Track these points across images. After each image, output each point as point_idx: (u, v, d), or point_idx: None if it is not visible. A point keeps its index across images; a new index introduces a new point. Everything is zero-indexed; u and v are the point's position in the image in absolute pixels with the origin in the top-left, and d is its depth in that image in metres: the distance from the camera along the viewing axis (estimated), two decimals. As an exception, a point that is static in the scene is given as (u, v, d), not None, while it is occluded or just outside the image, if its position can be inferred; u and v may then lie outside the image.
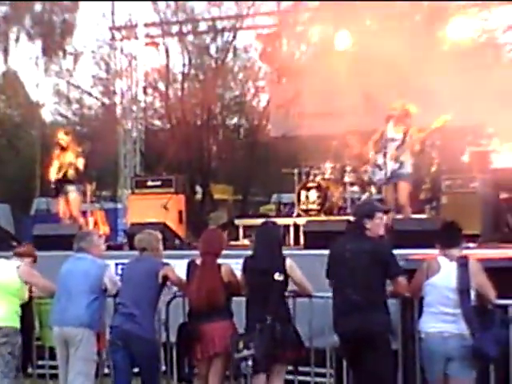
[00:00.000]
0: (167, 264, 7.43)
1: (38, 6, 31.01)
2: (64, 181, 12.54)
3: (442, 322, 6.31)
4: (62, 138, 12.75)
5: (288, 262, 6.95)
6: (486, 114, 12.98)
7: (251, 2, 21.26)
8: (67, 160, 12.56)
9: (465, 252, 6.69)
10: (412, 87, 12.94)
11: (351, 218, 7.50)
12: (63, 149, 12.70)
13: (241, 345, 6.71)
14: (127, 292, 7.30)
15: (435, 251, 6.72)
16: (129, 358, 7.16)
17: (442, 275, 6.39)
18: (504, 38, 20.02)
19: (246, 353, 6.66)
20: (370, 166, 11.46)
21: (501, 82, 13.74)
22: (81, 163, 12.58)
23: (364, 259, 6.56)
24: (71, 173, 12.50)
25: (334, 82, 15.68)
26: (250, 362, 6.66)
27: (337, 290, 6.73)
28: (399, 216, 10.91)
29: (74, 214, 12.58)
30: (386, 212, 7.58)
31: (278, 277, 6.81)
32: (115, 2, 20.63)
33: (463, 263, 6.38)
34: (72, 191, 12.61)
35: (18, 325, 7.55)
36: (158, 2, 23.68)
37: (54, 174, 12.65)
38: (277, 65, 20.36)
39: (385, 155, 10.97)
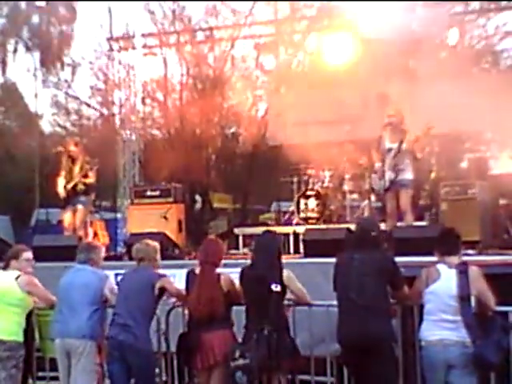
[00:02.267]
0: (164, 275, 7.43)
1: (35, 18, 31.05)
2: (74, 193, 12.54)
3: (442, 329, 6.30)
4: (73, 149, 12.74)
5: (285, 272, 6.92)
6: (484, 121, 12.99)
7: (248, 12, 21.26)
8: (76, 171, 12.57)
9: (464, 259, 6.69)
10: (409, 94, 12.93)
11: (353, 228, 7.49)
12: (73, 160, 12.70)
13: (237, 354, 6.69)
14: (123, 303, 7.30)
15: (434, 258, 6.72)
16: (125, 369, 7.15)
17: (442, 282, 6.38)
18: (502, 45, 20.11)
19: (241, 362, 6.65)
20: (373, 175, 11.44)
21: (499, 88, 13.74)
22: (92, 176, 12.58)
23: (372, 268, 6.59)
24: (81, 185, 12.49)
25: (331, 90, 15.71)
26: (244, 372, 6.65)
27: (342, 297, 6.73)
28: (401, 223, 10.91)
29: (76, 226, 12.57)
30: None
31: (275, 288, 6.78)
32: (113, 13, 20.69)
33: (463, 270, 6.37)
34: (80, 203, 12.60)
35: (21, 338, 7.54)
36: (156, 12, 23.73)
37: (62, 186, 12.62)
38: (274, 74, 20.41)
39: (383, 164, 10.99)
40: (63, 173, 12.70)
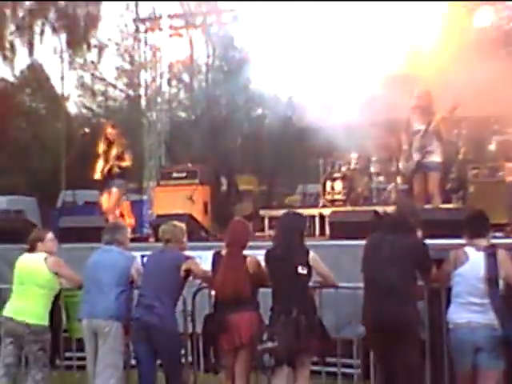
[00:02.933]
0: (190, 257, 7.43)
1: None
2: (110, 175, 12.54)
3: (470, 312, 6.28)
4: (110, 131, 12.74)
5: (311, 254, 6.90)
6: (512, 103, 12.86)
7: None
8: (113, 154, 12.55)
9: (492, 241, 6.64)
10: (438, 76, 12.82)
11: (391, 210, 7.46)
12: (109, 143, 12.70)
13: (265, 336, 6.69)
14: (149, 284, 7.32)
15: (462, 241, 6.68)
16: (151, 350, 7.18)
17: (470, 265, 6.34)
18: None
19: (269, 345, 6.64)
20: (401, 157, 11.40)
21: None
22: (128, 159, 12.57)
23: (401, 251, 6.56)
24: (116, 168, 12.50)
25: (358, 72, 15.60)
26: (272, 355, 6.65)
27: (369, 279, 6.71)
28: (428, 206, 10.84)
29: (110, 207, 12.58)
30: None
31: (301, 270, 6.77)
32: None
33: (491, 253, 6.34)
34: (115, 186, 12.59)
35: (46, 322, 7.56)
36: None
37: (100, 169, 12.63)
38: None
39: (411, 146, 10.93)
40: (101, 156, 12.69)
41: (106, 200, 12.60)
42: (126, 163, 12.62)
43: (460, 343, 6.34)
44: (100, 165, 12.65)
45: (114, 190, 12.61)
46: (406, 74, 14.08)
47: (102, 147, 12.75)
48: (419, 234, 7.07)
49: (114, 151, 12.58)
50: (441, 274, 6.69)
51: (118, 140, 12.72)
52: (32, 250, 7.78)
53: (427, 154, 10.76)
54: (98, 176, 12.62)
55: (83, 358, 7.76)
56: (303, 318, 6.61)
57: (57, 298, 7.85)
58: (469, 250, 6.46)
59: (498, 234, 9.29)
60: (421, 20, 14.11)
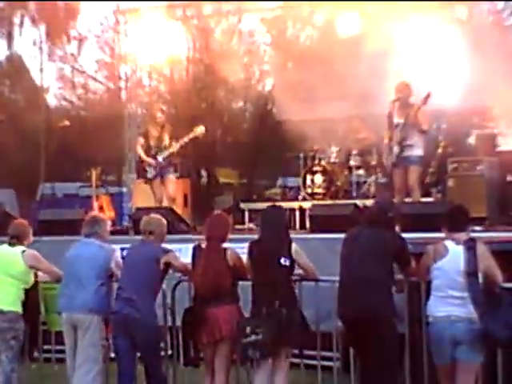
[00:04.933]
0: (170, 250, 7.41)
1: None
2: (161, 164, 12.29)
3: (449, 305, 6.28)
4: (160, 116, 12.45)
5: (293, 246, 6.93)
6: (492, 96, 12.90)
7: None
8: (167, 140, 12.30)
9: (472, 235, 6.66)
10: (419, 70, 12.83)
11: (370, 205, 7.48)
12: (160, 128, 12.44)
13: (248, 330, 6.69)
14: (127, 277, 7.29)
15: (442, 235, 6.69)
16: (131, 343, 7.17)
17: (450, 259, 6.36)
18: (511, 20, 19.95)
19: (253, 338, 6.64)
20: (384, 151, 11.39)
21: (507, 63, 13.64)
22: (176, 147, 12.30)
23: (378, 245, 6.62)
24: (166, 156, 12.26)
25: (339, 66, 15.61)
26: (257, 348, 6.65)
27: (345, 271, 6.74)
28: (408, 199, 10.87)
29: (172, 196, 12.38)
30: None
31: (284, 262, 6.79)
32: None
33: (470, 246, 6.34)
34: (170, 174, 12.44)
35: (20, 310, 7.57)
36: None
37: (145, 154, 12.38)
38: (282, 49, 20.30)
39: (392, 140, 10.94)
40: (151, 141, 12.38)
41: (159, 188, 12.34)
42: (174, 152, 12.33)
43: (439, 336, 6.35)
44: (145, 150, 12.33)
45: (172, 178, 12.47)
46: (387, 67, 14.09)
47: (150, 133, 12.49)
48: (397, 228, 7.10)
49: (166, 136, 12.29)
50: (420, 267, 6.71)
51: (167, 126, 12.46)
52: (16, 243, 7.71)
53: (407, 147, 10.76)
54: (146, 159, 12.30)
55: (62, 351, 7.75)
56: (285, 310, 6.62)
57: (34, 289, 7.82)
58: (448, 243, 6.47)
59: (477, 228, 9.33)
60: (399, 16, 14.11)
